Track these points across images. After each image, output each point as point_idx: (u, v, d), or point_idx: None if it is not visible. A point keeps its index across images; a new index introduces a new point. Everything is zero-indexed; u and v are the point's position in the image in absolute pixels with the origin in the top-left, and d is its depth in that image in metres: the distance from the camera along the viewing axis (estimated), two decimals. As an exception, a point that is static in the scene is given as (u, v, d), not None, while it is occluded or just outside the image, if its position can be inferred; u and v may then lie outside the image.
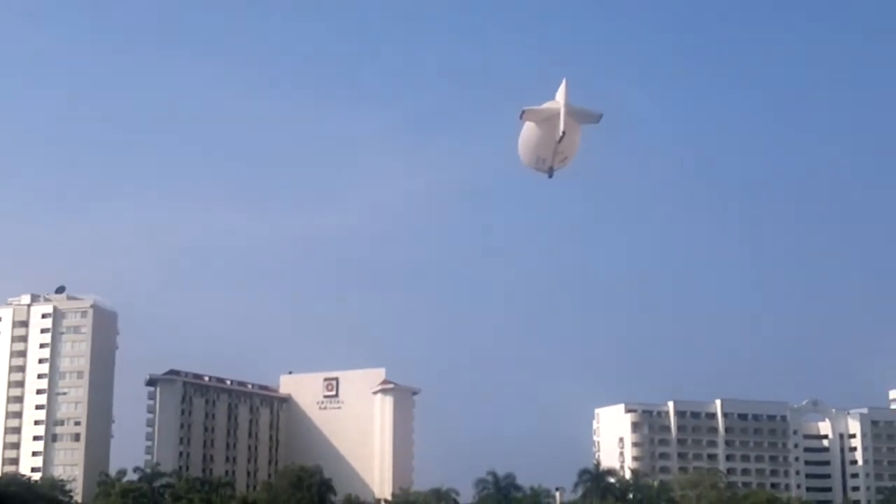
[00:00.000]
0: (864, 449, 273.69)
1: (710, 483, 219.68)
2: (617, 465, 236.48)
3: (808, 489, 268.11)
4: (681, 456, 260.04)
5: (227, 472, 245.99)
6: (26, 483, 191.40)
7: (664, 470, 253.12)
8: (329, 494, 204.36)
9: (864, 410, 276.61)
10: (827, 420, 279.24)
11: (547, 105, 30.77)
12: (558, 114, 30.11)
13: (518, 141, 33.19)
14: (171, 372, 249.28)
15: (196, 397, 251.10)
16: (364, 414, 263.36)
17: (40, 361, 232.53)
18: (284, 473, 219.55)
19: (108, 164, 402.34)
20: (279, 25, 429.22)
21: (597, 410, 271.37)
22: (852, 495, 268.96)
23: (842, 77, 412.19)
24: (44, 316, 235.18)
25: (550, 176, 33.42)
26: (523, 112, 30.90)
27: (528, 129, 32.25)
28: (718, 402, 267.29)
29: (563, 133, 30.25)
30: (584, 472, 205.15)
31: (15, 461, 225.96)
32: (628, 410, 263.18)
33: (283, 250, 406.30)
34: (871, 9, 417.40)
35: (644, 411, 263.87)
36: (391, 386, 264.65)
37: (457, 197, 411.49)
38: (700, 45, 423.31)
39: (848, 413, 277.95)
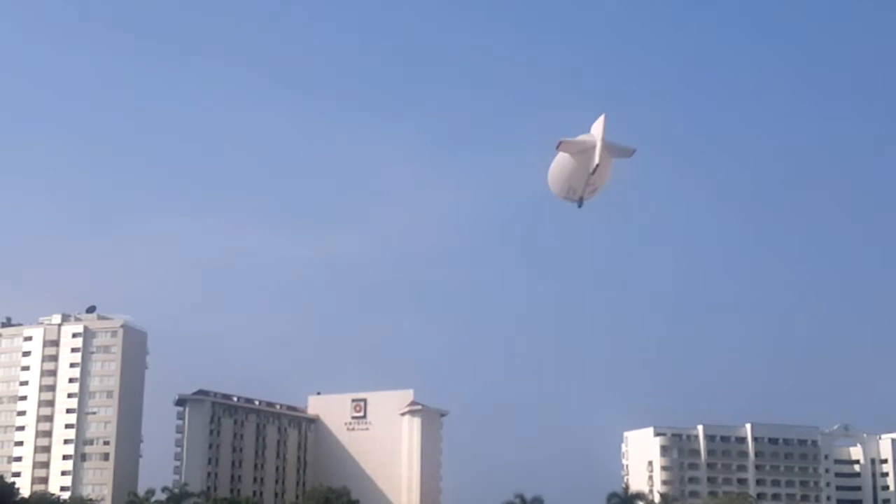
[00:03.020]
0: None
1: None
2: (646, 489, 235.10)
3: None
4: (710, 480, 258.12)
5: (254, 492, 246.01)
6: (55, 502, 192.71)
7: (693, 494, 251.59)
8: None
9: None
10: (858, 445, 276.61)
11: (583, 138, 31.06)
12: (594, 147, 30.44)
13: (549, 170, 33.58)
14: (200, 392, 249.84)
15: (225, 418, 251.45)
16: (392, 435, 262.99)
17: (70, 381, 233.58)
18: (312, 494, 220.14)
19: (138, 184, 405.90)
20: (305, 40, 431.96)
21: (626, 433, 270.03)
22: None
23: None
24: (74, 335, 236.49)
25: (580, 206, 33.83)
26: (560, 143, 31.20)
27: (562, 160, 32.58)
28: (749, 426, 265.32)
29: (597, 165, 30.63)
30: (612, 495, 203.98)
31: (44, 480, 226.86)
32: (657, 434, 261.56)
33: (312, 270, 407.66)
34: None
35: (673, 435, 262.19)
36: (419, 407, 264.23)
37: (486, 216, 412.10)
38: (734, 63, 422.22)
39: (880, 438, 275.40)
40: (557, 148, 31.96)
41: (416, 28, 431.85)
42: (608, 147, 31.08)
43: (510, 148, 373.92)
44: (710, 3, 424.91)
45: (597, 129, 31.06)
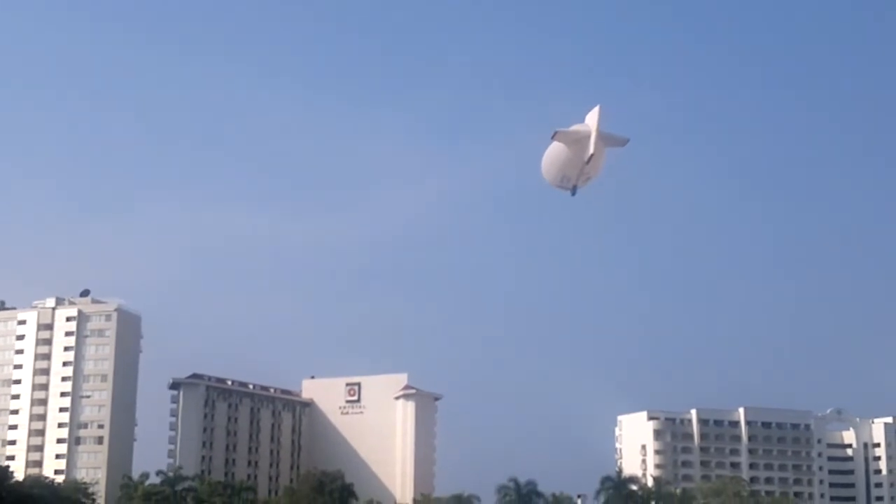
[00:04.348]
0: (889, 458, 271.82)
1: (734, 491, 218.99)
2: (639, 473, 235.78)
3: (831, 498, 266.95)
4: (703, 464, 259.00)
5: (249, 476, 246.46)
6: (50, 485, 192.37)
7: (687, 478, 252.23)
8: (350, 499, 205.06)
9: (889, 419, 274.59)
10: (851, 429, 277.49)
11: (577, 128, 31.30)
12: (588, 136, 30.69)
13: (543, 159, 33.86)
14: (195, 376, 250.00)
15: (219, 401, 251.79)
16: (386, 419, 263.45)
17: (64, 364, 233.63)
18: (306, 478, 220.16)
19: (132, 168, 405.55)
20: (300, 27, 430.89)
21: (619, 417, 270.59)
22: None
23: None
24: (68, 319, 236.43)
25: (574, 194, 34.13)
26: (555, 133, 31.44)
27: (556, 149, 32.79)
28: (742, 410, 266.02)
29: (592, 155, 30.86)
30: (606, 479, 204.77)
31: (38, 464, 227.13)
32: (651, 418, 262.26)
33: (306, 254, 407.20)
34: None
35: (667, 419, 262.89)
36: (413, 391, 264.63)
37: (480, 201, 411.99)
38: (724, 49, 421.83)
39: (872, 422, 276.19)
40: (553, 137, 32.14)
41: (413, 17, 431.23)
42: (603, 137, 31.35)
43: (505, 133, 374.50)
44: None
45: (591, 119, 31.30)
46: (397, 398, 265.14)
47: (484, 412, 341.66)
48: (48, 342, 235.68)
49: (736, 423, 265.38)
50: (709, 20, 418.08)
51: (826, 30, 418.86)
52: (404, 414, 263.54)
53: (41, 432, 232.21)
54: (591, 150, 31.11)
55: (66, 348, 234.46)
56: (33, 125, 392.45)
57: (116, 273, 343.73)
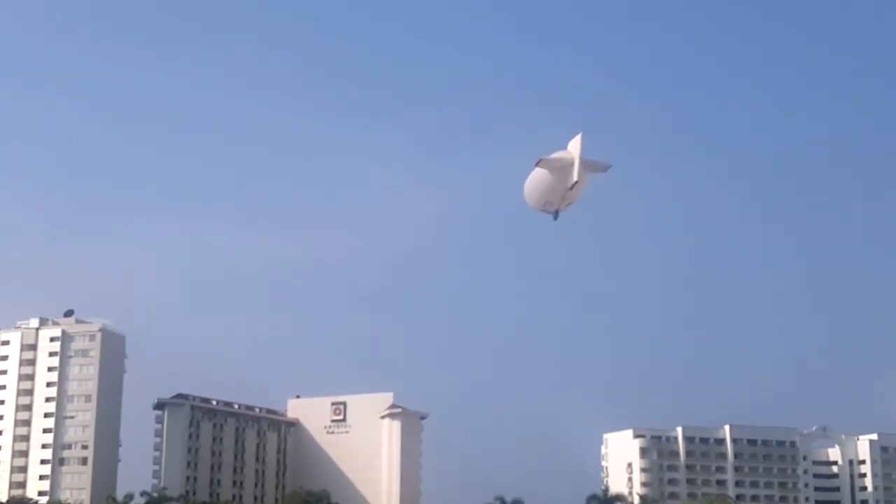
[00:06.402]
0: (874, 475, 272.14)
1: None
2: (625, 491, 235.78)
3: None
4: (689, 482, 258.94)
5: (234, 496, 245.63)
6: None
7: (673, 496, 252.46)
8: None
9: (874, 436, 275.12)
10: (837, 446, 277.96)
11: (560, 155, 31.63)
12: (572, 164, 31.00)
13: (525, 184, 34.19)
14: (179, 396, 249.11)
15: (204, 421, 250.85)
16: (372, 438, 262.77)
17: (48, 385, 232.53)
18: (292, 498, 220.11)
19: (117, 188, 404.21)
20: (292, 43, 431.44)
21: (605, 436, 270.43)
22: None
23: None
24: (52, 339, 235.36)
25: (556, 218, 34.46)
26: (539, 161, 31.79)
27: (539, 175, 33.12)
28: (727, 427, 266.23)
29: (576, 182, 31.18)
30: (592, 497, 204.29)
31: (22, 485, 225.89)
32: (637, 436, 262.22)
33: (291, 273, 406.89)
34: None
35: (653, 437, 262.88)
36: (399, 410, 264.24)
37: (467, 220, 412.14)
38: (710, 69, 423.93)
39: (857, 439, 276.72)
40: (537, 165, 32.46)
41: (402, 31, 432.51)
42: (585, 164, 31.63)
43: (495, 150, 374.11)
44: (695, 8, 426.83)
45: (574, 146, 31.61)
46: (383, 417, 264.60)
47: (470, 431, 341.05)
48: (32, 362, 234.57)
49: (722, 441, 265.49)
50: (701, 29, 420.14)
51: (818, 36, 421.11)
52: (390, 433, 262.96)
53: (25, 453, 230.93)
54: (576, 177, 31.44)
55: (50, 368, 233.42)
56: (16, 145, 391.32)
57: (101, 293, 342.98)
